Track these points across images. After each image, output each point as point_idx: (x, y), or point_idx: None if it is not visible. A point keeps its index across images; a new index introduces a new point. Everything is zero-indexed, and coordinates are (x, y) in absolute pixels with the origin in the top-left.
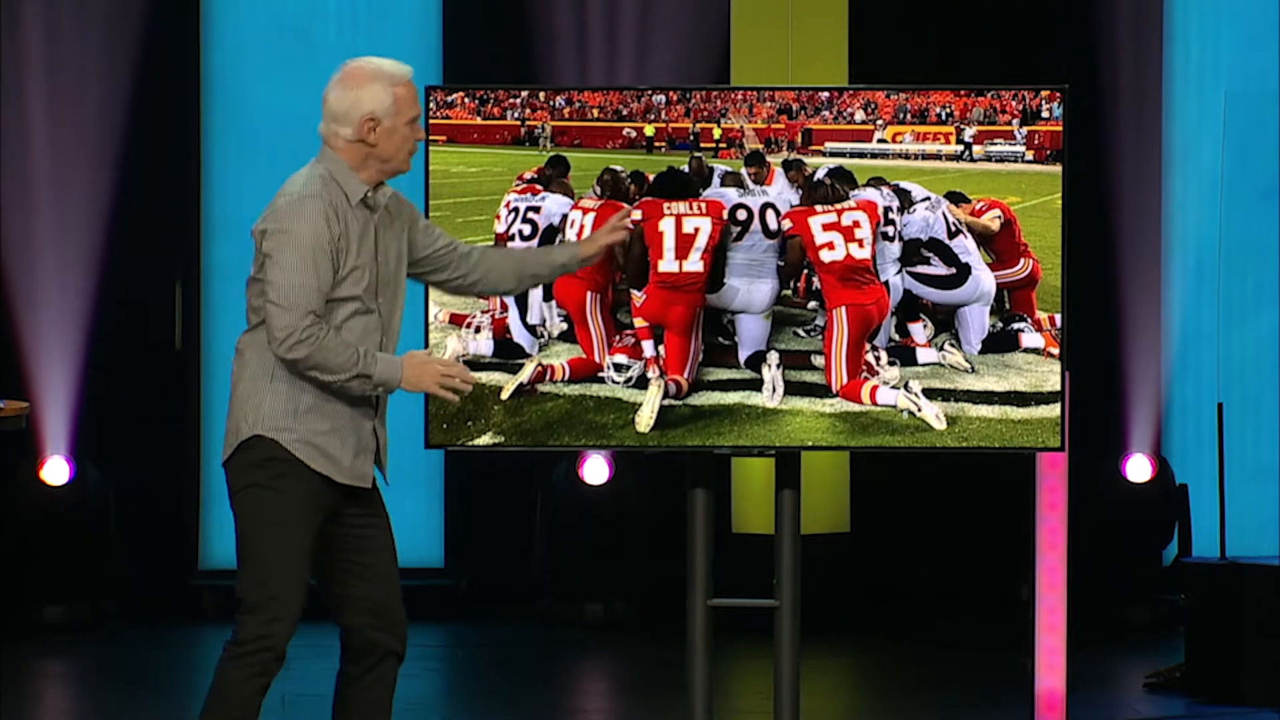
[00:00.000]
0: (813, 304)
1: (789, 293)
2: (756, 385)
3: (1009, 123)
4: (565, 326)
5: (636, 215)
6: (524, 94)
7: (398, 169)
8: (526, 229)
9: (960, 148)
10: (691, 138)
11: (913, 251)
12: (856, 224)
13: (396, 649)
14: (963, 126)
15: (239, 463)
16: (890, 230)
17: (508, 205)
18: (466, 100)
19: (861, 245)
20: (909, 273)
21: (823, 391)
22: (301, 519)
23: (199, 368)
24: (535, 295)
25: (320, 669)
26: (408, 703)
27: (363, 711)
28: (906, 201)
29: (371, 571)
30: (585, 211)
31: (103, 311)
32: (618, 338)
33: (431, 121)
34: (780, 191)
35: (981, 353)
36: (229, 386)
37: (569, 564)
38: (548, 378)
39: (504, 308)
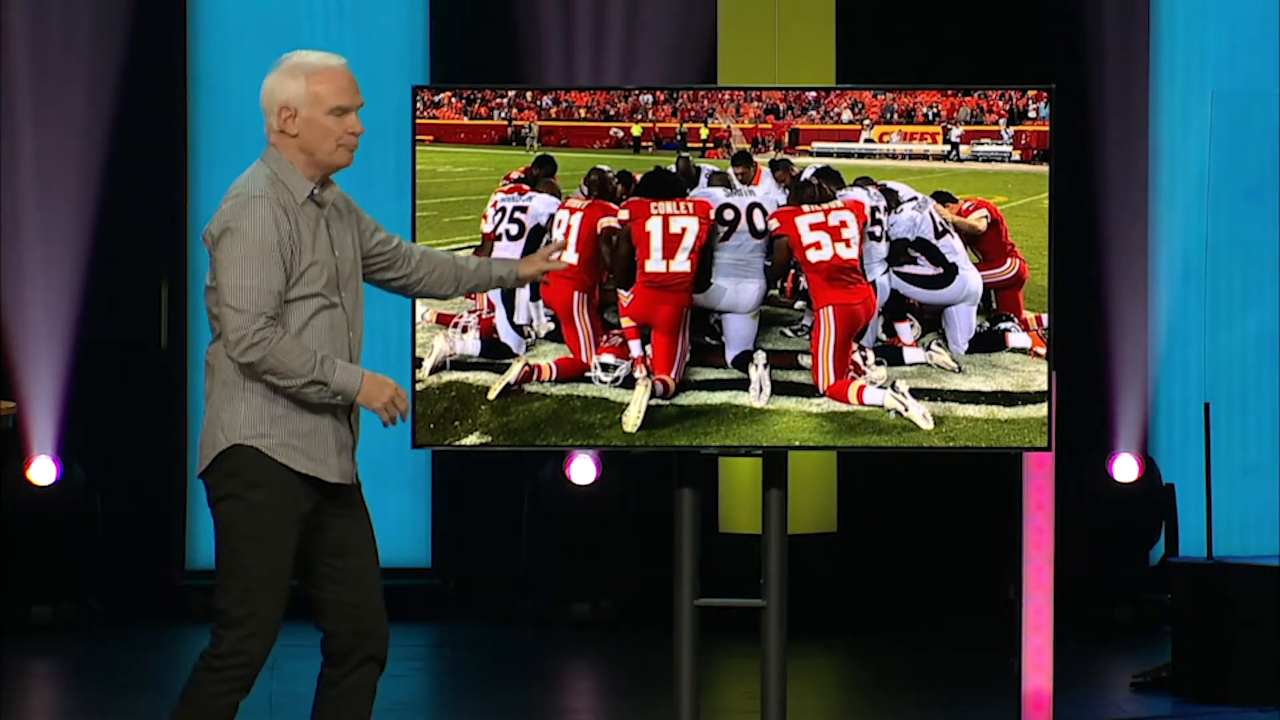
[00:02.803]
0: (800, 304)
1: (776, 292)
2: (743, 385)
3: (996, 123)
4: (552, 326)
5: (568, 259)
6: (511, 94)
7: (329, 162)
8: (514, 229)
9: (947, 148)
10: (678, 138)
11: (899, 251)
12: (843, 224)
13: (377, 654)
14: (949, 126)
15: (218, 473)
16: (877, 230)
17: (495, 205)
18: (453, 100)
19: (848, 245)
20: (896, 272)
21: (810, 391)
22: (282, 531)
23: (184, 368)
24: (522, 295)
25: (306, 669)
26: (394, 702)
27: (339, 717)
28: (893, 201)
29: (350, 576)
30: (572, 211)
31: (89, 312)
32: (605, 337)
33: (418, 121)
34: (767, 191)
35: (968, 352)
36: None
37: (556, 564)
38: (535, 377)
39: (490, 307)
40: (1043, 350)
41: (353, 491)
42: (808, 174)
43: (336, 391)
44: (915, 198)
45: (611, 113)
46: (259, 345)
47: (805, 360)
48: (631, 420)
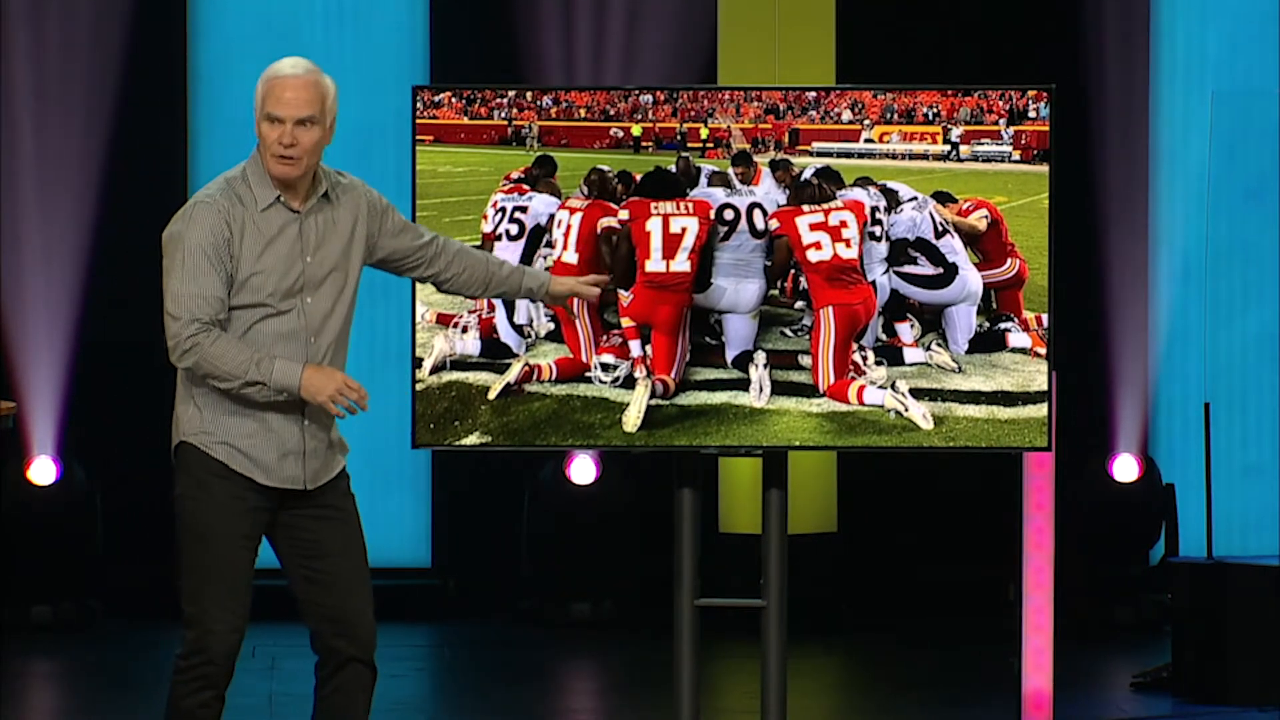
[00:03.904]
0: (800, 304)
1: (776, 292)
2: (743, 385)
3: (996, 123)
4: (552, 326)
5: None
6: (511, 94)
7: (271, 171)
8: (513, 229)
9: (947, 148)
10: (678, 138)
11: (900, 251)
12: (843, 224)
13: (358, 656)
14: (949, 126)
15: (176, 470)
16: (877, 230)
17: (494, 205)
18: (453, 100)
19: (848, 245)
20: (896, 272)
21: (810, 391)
22: (229, 528)
23: None
24: None
25: (307, 669)
26: (394, 702)
27: (330, 716)
28: (893, 201)
29: (327, 577)
30: (572, 211)
31: (89, 312)
32: (605, 337)
33: (418, 121)
34: (767, 191)
35: (968, 352)
36: None
37: (556, 564)
38: (535, 377)
39: (490, 307)
40: (1043, 350)
41: (329, 493)
42: (808, 174)
43: (278, 389)
44: (915, 198)
45: (611, 113)
46: (191, 351)
47: (805, 360)
48: (631, 420)
